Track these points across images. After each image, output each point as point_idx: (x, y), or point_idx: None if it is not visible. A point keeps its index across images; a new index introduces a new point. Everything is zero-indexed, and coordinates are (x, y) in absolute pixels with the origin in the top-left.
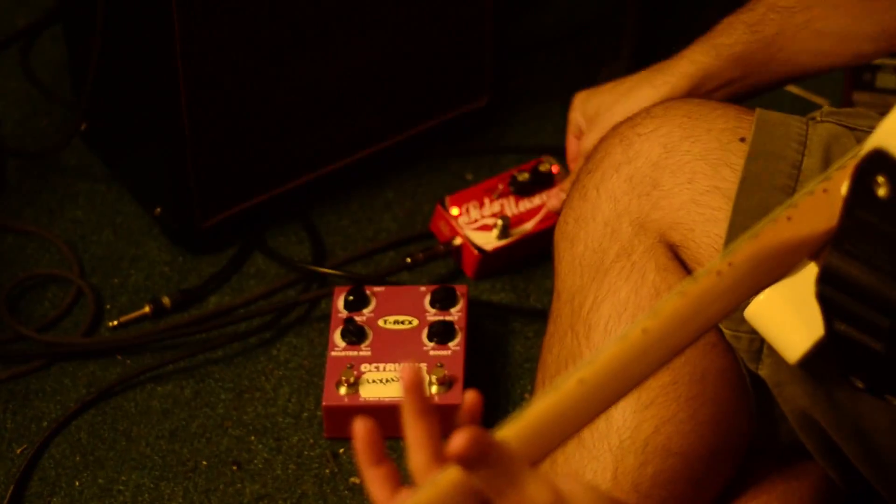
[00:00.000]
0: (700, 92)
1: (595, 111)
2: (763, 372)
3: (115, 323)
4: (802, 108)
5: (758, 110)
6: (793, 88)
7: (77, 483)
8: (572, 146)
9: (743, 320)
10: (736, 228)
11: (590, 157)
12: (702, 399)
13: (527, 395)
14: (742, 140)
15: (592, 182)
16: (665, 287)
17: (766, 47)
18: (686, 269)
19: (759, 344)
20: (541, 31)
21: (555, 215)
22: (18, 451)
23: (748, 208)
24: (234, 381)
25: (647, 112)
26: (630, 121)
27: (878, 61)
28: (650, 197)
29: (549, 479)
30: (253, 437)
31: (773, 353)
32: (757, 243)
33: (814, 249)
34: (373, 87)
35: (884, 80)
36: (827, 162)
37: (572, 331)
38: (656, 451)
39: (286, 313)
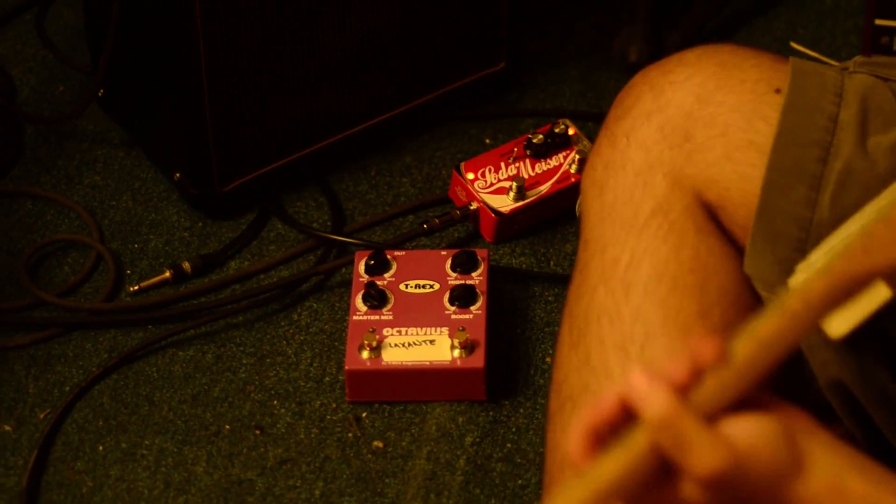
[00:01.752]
0: None
1: None
2: None
3: (136, 288)
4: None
5: (792, 59)
6: (809, 52)
7: (100, 447)
8: None
9: (775, 284)
10: (770, 187)
11: (617, 102)
12: None
13: (548, 359)
14: (777, 91)
15: (622, 129)
16: (705, 249)
17: None
18: (723, 229)
19: None
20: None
21: (571, 176)
22: (42, 415)
23: (783, 165)
24: (255, 346)
25: (679, 58)
26: (661, 67)
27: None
28: (682, 149)
29: (725, 439)
30: (275, 402)
31: None
32: (831, 279)
33: (889, 274)
34: (390, 51)
35: None
36: (864, 114)
37: (606, 286)
38: None
39: (305, 280)
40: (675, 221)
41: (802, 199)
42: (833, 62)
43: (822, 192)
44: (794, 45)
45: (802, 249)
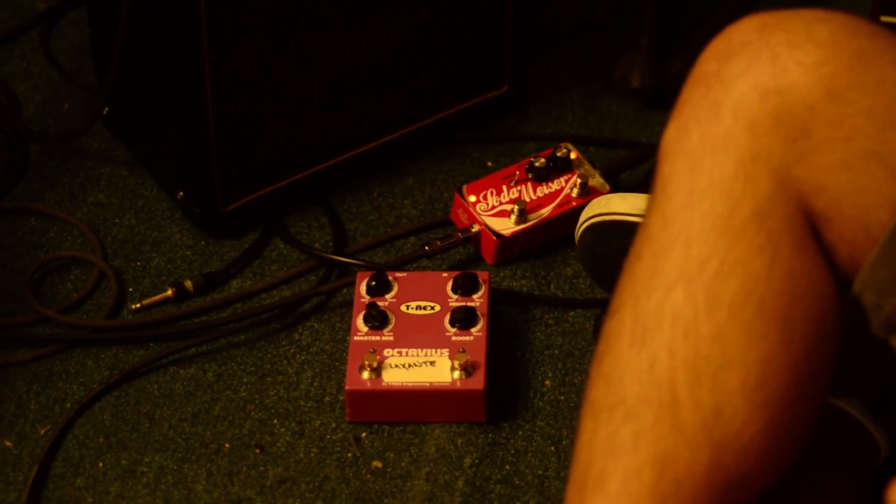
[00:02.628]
0: None
1: None
2: (893, 342)
3: (138, 305)
4: None
5: None
6: None
7: (101, 464)
8: None
9: (890, 294)
10: None
11: (724, 54)
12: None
13: (547, 382)
14: None
15: (729, 100)
16: (798, 269)
17: None
18: (822, 242)
19: None
20: (561, 19)
21: (573, 200)
22: (42, 431)
23: None
24: (256, 365)
25: (810, 32)
26: (787, 35)
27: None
28: (797, 145)
29: None
30: (275, 421)
31: None
32: None
33: None
34: (394, 74)
35: None
36: None
37: (686, 290)
38: None
39: (307, 300)
40: (773, 231)
41: None
42: None
43: None
44: None
45: None
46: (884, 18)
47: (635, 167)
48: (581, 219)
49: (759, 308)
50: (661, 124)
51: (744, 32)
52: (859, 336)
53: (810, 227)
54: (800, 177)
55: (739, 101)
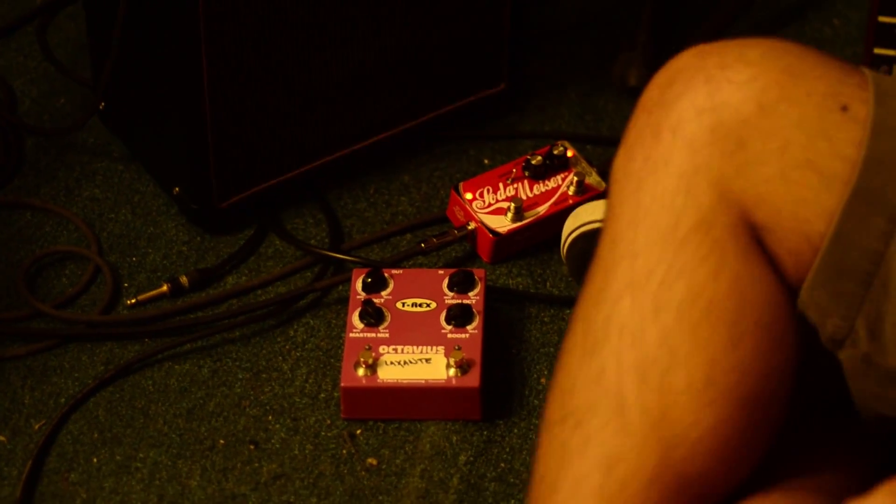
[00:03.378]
0: None
1: None
2: (843, 354)
3: (133, 301)
4: None
5: (869, 74)
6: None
7: (95, 459)
8: None
9: (830, 314)
10: (849, 215)
11: (663, 83)
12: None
13: (543, 380)
14: (844, 109)
15: (668, 122)
16: (745, 274)
17: None
18: (767, 253)
19: (846, 333)
20: (558, 18)
21: (569, 198)
22: (36, 426)
23: (868, 190)
24: (251, 361)
25: (740, 53)
26: (720, 58)
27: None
28: (734, 158)
29: None
30: (270, 417)
31: (857, 345)
32: None
33: None
34: (391, 71)
35: None
36: None
37: (633, 299)
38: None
39: (302, 297)
40: (718, 240)
41: (879, 231)
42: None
43: None
44: None
45: (869, 283)
46: (881, 19)
47: None
48: (568, 228)
49: (705, 310)
50: None
51: (682, 60)
52: (811, 346)
53: (754, 237)
54: (740, 189)
55: (678, 121)
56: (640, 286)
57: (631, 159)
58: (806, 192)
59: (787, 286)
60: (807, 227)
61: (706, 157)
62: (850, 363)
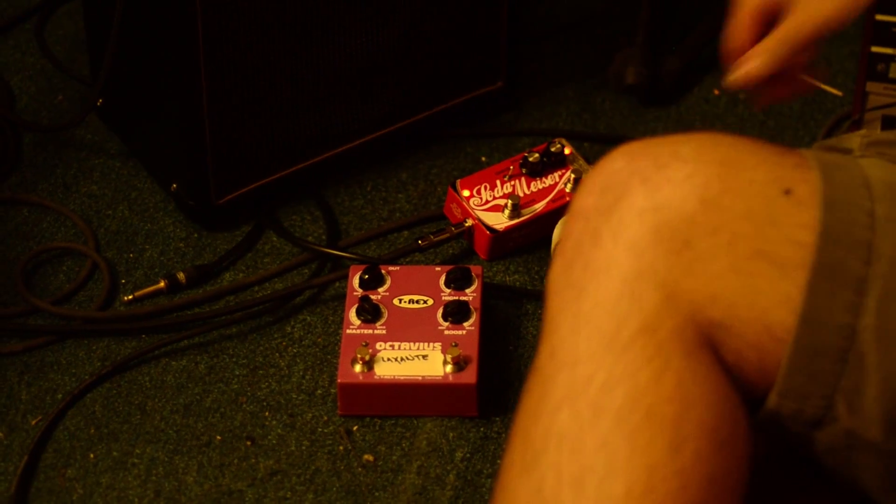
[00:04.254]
0: None
1: None
2: (822, 434)
3: (130, 297)
4: (815, 98)
5: (810, 153)
6: (805, 77)
7: (91, 455)
8: (747, 30)
9: (809, 396)
10: (814, 294)
11: (599, 189)
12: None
13: None
14: (787, 192)
15: (608, 227)
16: (689, 376)
17: None
18: (718, 354)
19: (825, 412)
20: (556, 15)
21: (567, 195)
22: (33, 422)
23: (829, 266)
24: (248, 358)
25: (673, 152)
26: (653, 157)
27: (893, 51)
28: (681, 257)
29: None
30: (267, 413)
31: (838, 421)
32: None
33: None
34: (389, 68)
35: None
36: None
37: (572, 407)
38: None
39: (299, 294)
40: (663, 343)
41: (848, 304)
42: (830, 88)
43: (867, 296)
44: None
45: (844, 359)
46: (879, 17)
47: None
48: (558, 234)
49: (646, 415)
50: (657, 121)
51: (614, 164)
52: (781, 436)
53: (704, 338)
54: (690, 288)
55: (618, 225)
56: (580, 394)
57: (569, 268)
58: (761, 283)
59: (737, 387)
60: (766, 317)
61: (650, 259)
62: (829, 440)
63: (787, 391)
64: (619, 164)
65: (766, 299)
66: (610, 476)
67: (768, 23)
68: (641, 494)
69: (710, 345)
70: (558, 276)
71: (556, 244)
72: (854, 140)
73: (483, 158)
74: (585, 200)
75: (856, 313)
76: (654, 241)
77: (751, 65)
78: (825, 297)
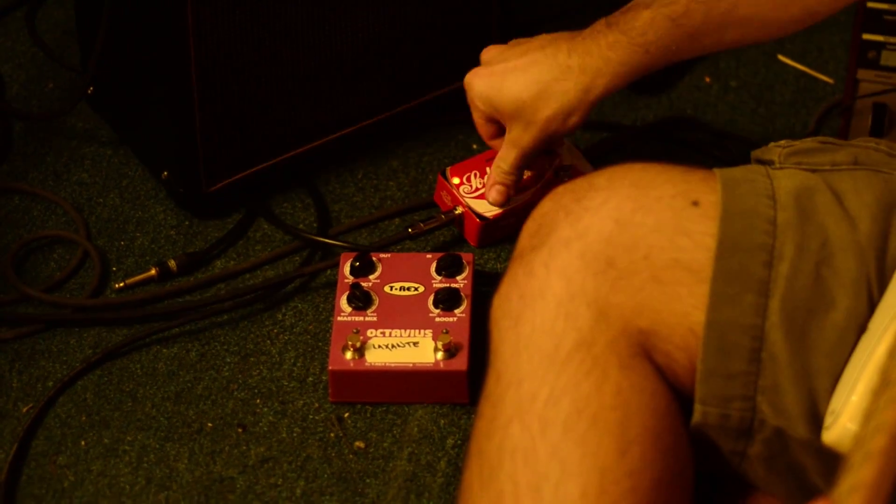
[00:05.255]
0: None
1: (510, 108)
2: (756, 443)
3: (122, 285)
4: (807, 86)
5: (716, 171)
6: (796, 65)
7: (83, 442)
8: (485, 128)
9: (731, 399)
10: (717, 298)
11: (531, 232)
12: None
13: None
14: (695, 204)
15: (540, 258)
16: (628, 385)
17: (692, 38)
18: (651, 360)
19: (751, 415)
20: (547, 3)
21: (556, 181)
22: (24, 409)
23: (729, 274)
24: (239, 345)
25: (589, 184)
26: (572, 193)
27: (884, 38)
28: (607, 276)
29: None
30: (258, 400)
31: (766, 423)
32: (876, 466)
33: None
34: (380, 55)
35: (889, 57)
36: (803, 214)
37: (521, 422)
38: None
39: (290, 282)
40: (599, 356)
41: (752, 307)
42: (821, 76)
43: (771, 298)
44: (781, 58)
45: (757, 359)
46: (870, 5)
47: (619, 149)
48: None
49: (591, 422)
50: (648, 108)
51: (542, 207)
52: (718, 460)
53: (639, 349)
54: (618, 303)
55: (548, 256)
56: (527, 409)
57: (507, 300)
58: (680, 289)
59: (677, 395)
60: (687, 319)
61: (580, 281)
62: (764, 450)
63: (708, 397)
64: (547, 206)
65: (686, 303)
66: (564, 480)
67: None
68: (596, 496)
69: (643, 353)
70: (496, 309)
71: None
72: (775, 151)
73: (474, 146)
74: (522, 243)
75: (762, 314)
76: (582, 265)
77: (494, 195)
78: (728, 301)
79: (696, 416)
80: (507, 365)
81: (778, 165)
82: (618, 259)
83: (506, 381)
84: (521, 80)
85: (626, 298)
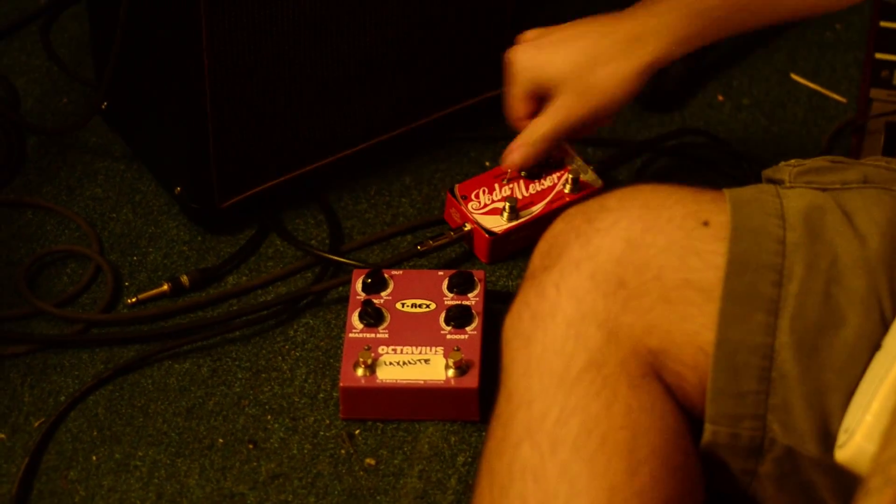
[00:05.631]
0: (674, 58)
1: (561, 76)
2: (767, 462)
3: (134, 300)
4: (819, 105)
5: (726, 191)
6: (809, 83)
7: (94, 457)
8: (521, 106)
9: (741, 418)
10: (727, 318)
11: (542, 253)
12: None
13: None
14: (706, 224)
15: (551, 279)
16: (637, 405)
17: (747, 8)
18: (661, 379)
19: (762, 434)
20: (559, 21)
21: (565, 196)
22: (36, 424)
23: (738, 293)
24: (250, 361)
25: (600, 205)
26: (584, 214)
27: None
28: (617, 297)
29: None
30: (269, 417)
31: (777, 442)
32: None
33: None
34: (393, 72)
35: None
36: (813, 234)
37: (531, 441)
38: None
39: (303, 297)
40: (609, 376)
41: (762, 326)
42: (834, 94)
43: (780, 317)
44: (794, 76)
45: (767, 378)
46: (883, 24)
47: (629, 162)
48: None
49: (601, 442)
50: (660, 125)
51: (555, 229)
52: (729, 480)
53: (649, 369)
54: (628, 324)
55: (560, 276)
56: (537, 428)
57: (518, 320)
58: (690, 309)
59: (687, 415)
60: (697, 338)
61: (590, 302)
62: (775, 469)
63: (718, 417)
64: (559, 227)
65: (696, 323)
66: (573, 499)
67: (540, 99)
68: None
69: (653, 373)
70: (508, 329)
71: None
72: (785, 171)
73: (487, 163)
74: (533, 264)
75: (771, 333)
76: (592, 285)
77: (514, 156)
78: (738, 320)
79: (706, 436)
80: (517, 385)
81: (788, 184)
82: (628, 279)
83: (516, 400)
84: (575, 47)
85: (636, 318)
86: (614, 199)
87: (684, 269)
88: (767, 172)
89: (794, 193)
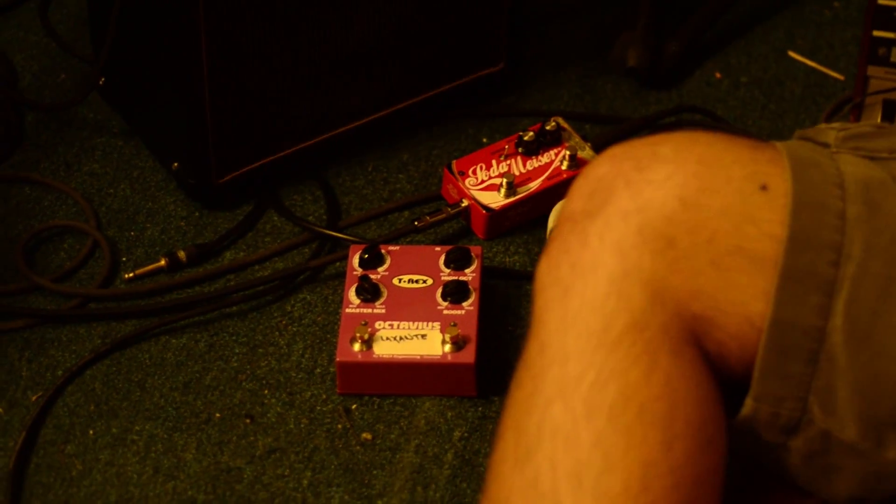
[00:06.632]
0: None
1: None
2: (798, 440)
3: (131, 275)
4: (817, 82)
5: (783, 149)
6: (807, 61)
7: (91, 431)
8: None
9: (784, 399)
10: (783, 297)
11: (586, 194)
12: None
13: None
14: (764, 188)
15: (595, 228)
16: (677, 374)
17: None
18: (701, 346)
19: (800, 415)
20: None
21: (562, 172)
22: (33, 398)
23: (797, 270)
24: (247, 336)
25: (653, 153)
26: (635, 159)
27: (894, 35)
28: (665, 256)
29: None
30: (266, 391)
31: (813, 424)
32: None
33: None
34: (391, 49)
35: None
36: (872, 208)
37: (565, 403)
38: None
39: (300, 272)
40: (650, 341)
41: (816, 308)
42: (831, 72)
43: (835, 298)
44: (791, 54)
45: (815, 360)
46: (881, 1)
47: (626, 139)
48: (554, 217)
49: (638, 412)
50: (658, 103)
51: (600, 169)
52: (756, 447)
53: (690, 335)
54: (674, 286)
55: (604, 227)
56: (572, 390)
57: (556, 267)
58: (740, 277)
59: (718, 384)
60: (745, 309)
61: (636, 258)
62: (805, 446)
63: (762, 395)
64: (604, 168)
65: (745, 293)
66: (607, 472)
67: None
68: (638, 492)
69: (694, 339)
70: (545, 275)
71: (552, 228)
72: (830, 134)
73: (484, 139)
74: (574, 205)
75: (825, 315)
76: (639, 241)
77: None
78: (794, 300)
79: (746, 410)
80: (552, 338)
81: (834, 149)
82: (679, 239)
83: (550, 355)
84: None
85: (683, 281)
86: (668, 147)
87: (738, 236)
88: (807, 133)
89: (846, 160)
